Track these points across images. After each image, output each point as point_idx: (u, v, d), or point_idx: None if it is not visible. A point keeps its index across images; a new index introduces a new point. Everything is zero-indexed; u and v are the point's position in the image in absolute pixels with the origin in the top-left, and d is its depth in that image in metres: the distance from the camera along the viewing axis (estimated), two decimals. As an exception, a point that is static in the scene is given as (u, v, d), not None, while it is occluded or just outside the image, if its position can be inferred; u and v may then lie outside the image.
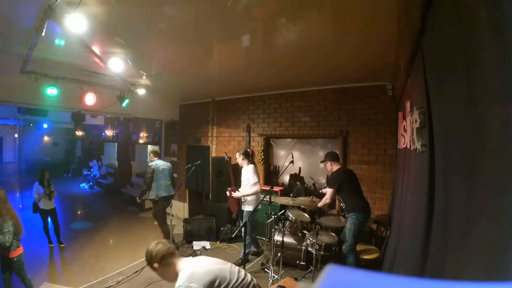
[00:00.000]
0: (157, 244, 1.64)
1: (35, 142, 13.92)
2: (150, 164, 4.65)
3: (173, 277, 1.56)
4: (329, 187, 3.43)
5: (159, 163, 4.66)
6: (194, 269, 1.53)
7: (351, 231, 3.18)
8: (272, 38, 2.68)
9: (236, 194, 4.00)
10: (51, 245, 4.60)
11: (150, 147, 9.67)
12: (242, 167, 4.11)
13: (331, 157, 3.53)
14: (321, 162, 3.70)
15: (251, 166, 4.00)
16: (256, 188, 3.85)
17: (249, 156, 4.14)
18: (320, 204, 3.49)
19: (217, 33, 2.62)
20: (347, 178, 3.36)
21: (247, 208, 3.93)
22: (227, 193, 4.17)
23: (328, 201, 3.40)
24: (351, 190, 3.32)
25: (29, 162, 12.94)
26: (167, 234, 4.49)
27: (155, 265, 1.59)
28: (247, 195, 3.92)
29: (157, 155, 4.88)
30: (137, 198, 4.86)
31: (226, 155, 5.00)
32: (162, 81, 4.73)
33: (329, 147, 4.71)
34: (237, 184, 4.30)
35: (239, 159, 4.10)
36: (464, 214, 0.81)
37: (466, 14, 0.78)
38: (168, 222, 4.53)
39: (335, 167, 3.48)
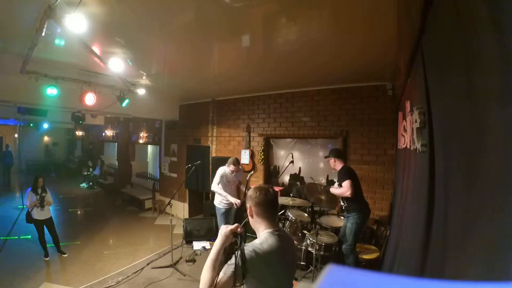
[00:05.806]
0: None
1: (35, 142, 13.93)
2: None
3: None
4: (345, 180, 3.16)
5: None
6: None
7: (352, 231, 3.16)
8: (272, 38, 2.68)
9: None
10: (47, 258, 4.18)
11: (150, 147, 9.69)
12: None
13: (335, 153, 3.41)
14: (325, 157, 3.55)
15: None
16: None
17: (235, 163, 4.05)
18: (337, 192, 3.25)
19: (217, 33, 2.62)
20: (354, 177, 3.28)
21: None
22: None
23: (348, 193, 3.10)
24: (354, 189, 3.29)
25: (29, 162, 12.96)
26: None
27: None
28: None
29: None
30: None
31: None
32: (162, 81, 4.73)
33: (329, 147, 4.71)
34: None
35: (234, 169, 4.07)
36: (464, 214, 0.81)
37: (466, 14, 0.78)
38: (168, 222, 4.54)
39: (339, 164, 3.36)
